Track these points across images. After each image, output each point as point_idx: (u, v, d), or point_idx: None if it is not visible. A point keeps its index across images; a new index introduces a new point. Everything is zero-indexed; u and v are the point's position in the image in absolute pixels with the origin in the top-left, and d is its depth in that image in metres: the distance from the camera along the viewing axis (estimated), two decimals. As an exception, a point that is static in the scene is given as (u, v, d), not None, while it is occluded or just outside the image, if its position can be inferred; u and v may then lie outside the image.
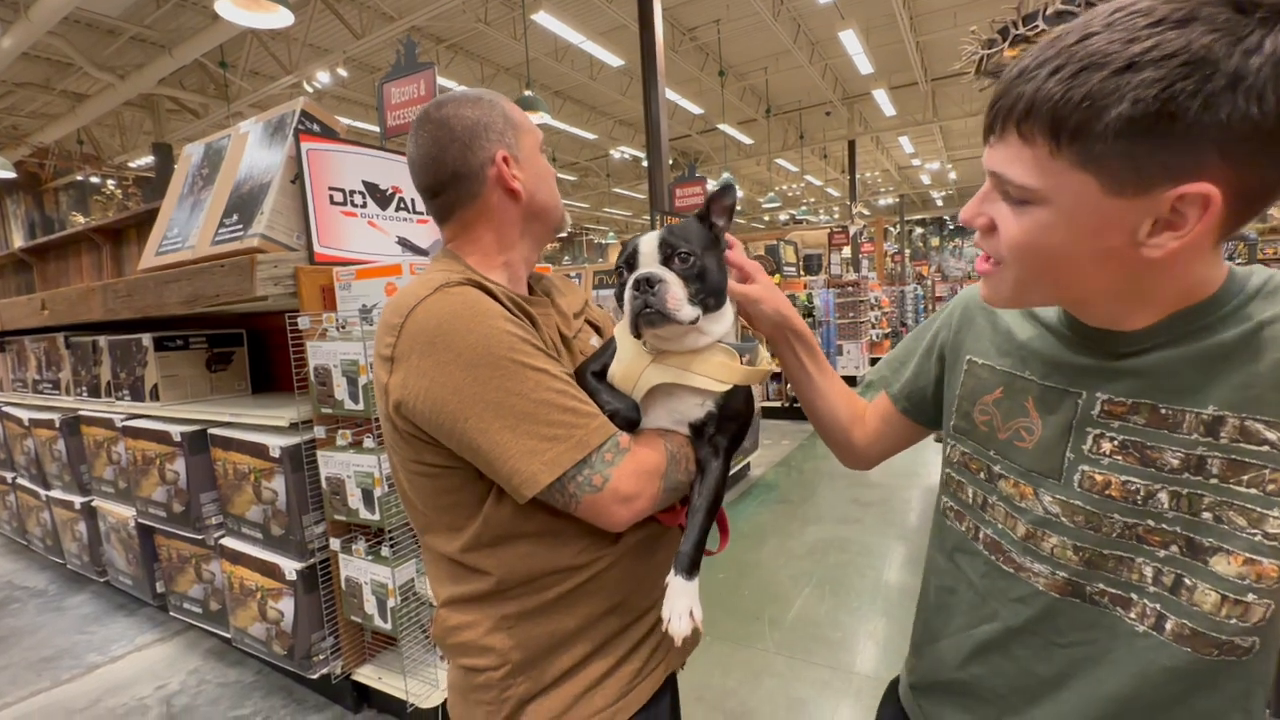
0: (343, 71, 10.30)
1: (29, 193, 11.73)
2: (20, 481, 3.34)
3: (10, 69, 8.37)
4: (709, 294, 0.73)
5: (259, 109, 11.82)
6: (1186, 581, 0.53)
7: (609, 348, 0.80)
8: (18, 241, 10.86)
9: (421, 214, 2.29)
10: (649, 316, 0.69)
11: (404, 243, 2.21)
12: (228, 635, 2.29)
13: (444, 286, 0.71)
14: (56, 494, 3.01)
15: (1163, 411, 0.53)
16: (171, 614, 2.54)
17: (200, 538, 2.25)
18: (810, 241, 9.80)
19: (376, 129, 11.94)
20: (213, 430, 2.15)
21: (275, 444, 1.92)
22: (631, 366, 0.76)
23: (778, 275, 7.26)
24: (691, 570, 0.72)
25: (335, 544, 1.90)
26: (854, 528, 3.67)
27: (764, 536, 3.60)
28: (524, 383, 0.68)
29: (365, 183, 2.09)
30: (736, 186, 0.76)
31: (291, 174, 1.93)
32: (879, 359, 10.95)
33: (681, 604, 0.70)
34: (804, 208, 23.95)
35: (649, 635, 0.83)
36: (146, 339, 2.36)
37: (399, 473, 0.79)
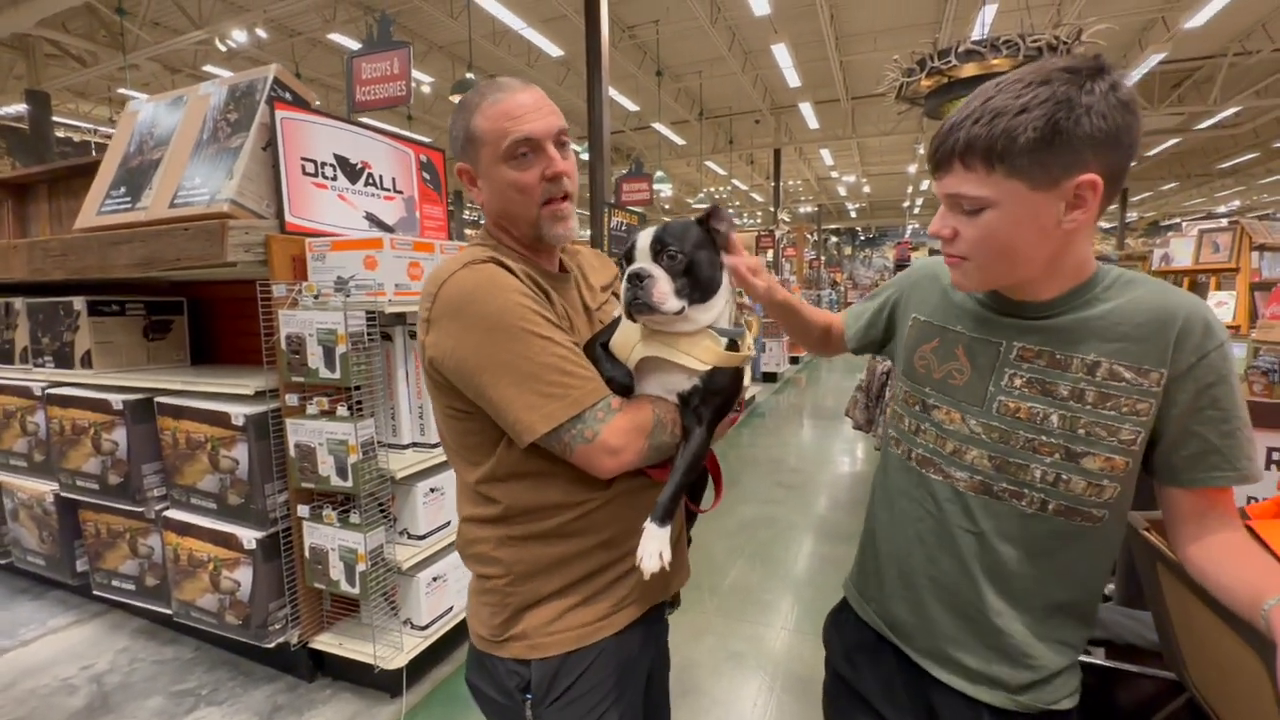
0: (261, 32, 9.61)
1: None
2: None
3: None
4: (695, 288, 0.83)
5: (159, 64, 10.82)
6: (1064, 477, 0.76)
7: (617, 322, 0.92)
8: None
9: (389, 191, 2.32)
10: (638, 306, 0.81)
11: (371, 218, 2.24)
12: (165, 611, 2.22)
13: (471, 263, 0.83)
14: (-54, 470, 2.75)
15: (1058, 357, 0.76)
16: (96, 594, 2.41)
17: (139, 510, 2.17)
18: (738, 243, 10.22)
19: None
20: (160, 399, 2.08)
21: (238, 412, 1.90)
22: (628, 339, 0.88)
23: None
24: (665, 519, 0.83)
25: (304, 511, 1.92)
26: (778, 508, 3.99)
27: (700, 515, 3.84)
28: (530, 347, 0.79)
29: (336, 155, 2.10)
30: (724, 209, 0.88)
31: (263, 141, 1.92)
32: (798, 358, 11.52)
33: (653, 546, 0.81)
34: (730, 210, 24.77)
35: (632, 571, 0.91)
36: (79, 303, 2.23)
37: (437, 415, 0.92)
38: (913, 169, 19.99)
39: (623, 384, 0.87)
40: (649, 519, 0.83)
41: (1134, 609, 1.16)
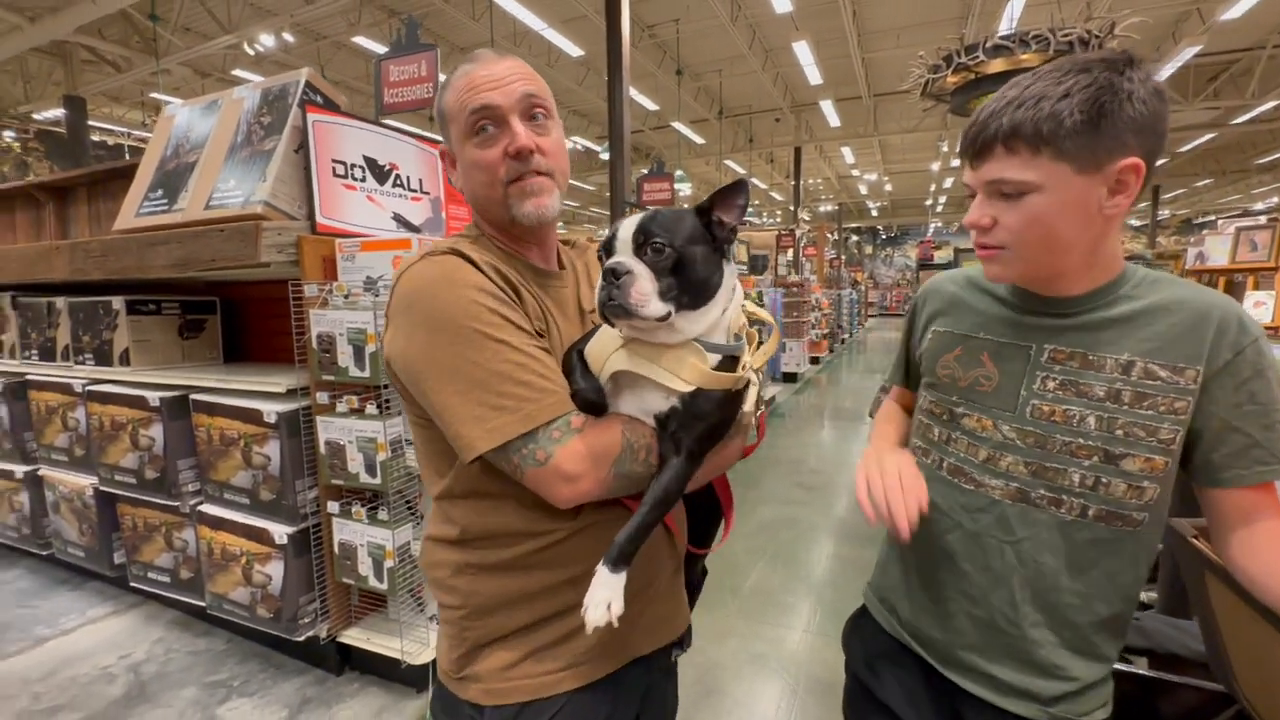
0: (289, 36, 9.80)
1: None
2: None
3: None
4: (685, 290, 0.69)
5: (190, 68, 11.07)
6: (1103, 480, 0.74)
7: (599, 327, 0.79)
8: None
9: (415, 192, 2.34)
10: (612, 309, 0.68)
11: (399, 219, 2.26)
12: (199, 603, 2.27)
13: (429, 254, 0.75)
14: (-8, 463, 2.85)
15: (1091, 358, 0.75)
16: (132, 585, 2.48)
17: (175, 504, 2.23)
18: (758, 243, 10.19)
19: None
20: (196, 396, 2.13)
21: (271, 409, 1.94)
22: (603, 349, 0.75)
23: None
24: (619, 563, 0.70)
25: (334, 507, 1.95)
26: (799, 508, 3.97)
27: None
28: (481, 352, 0.69)
29: (365, 157, 2.13)
30: (748, 183, 0.73)
31: (295, 144, 1.96)
32: (818, 358, 11.44)
33: (601, 594, 0.68)
34: (750, 209, 24.65)
35: None
36: (118, 302, 2.30)
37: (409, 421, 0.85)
38: (936, 167, 19.68)
39: (589, 400, 0.74)
40: (601, 560, 0.70)
41: (1177, 618, 1.13)
